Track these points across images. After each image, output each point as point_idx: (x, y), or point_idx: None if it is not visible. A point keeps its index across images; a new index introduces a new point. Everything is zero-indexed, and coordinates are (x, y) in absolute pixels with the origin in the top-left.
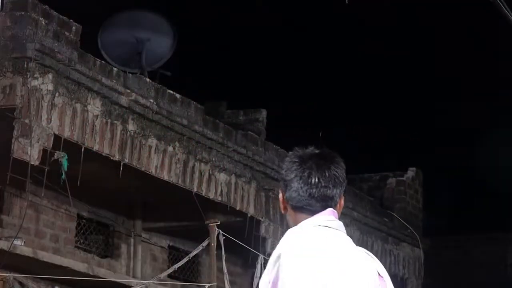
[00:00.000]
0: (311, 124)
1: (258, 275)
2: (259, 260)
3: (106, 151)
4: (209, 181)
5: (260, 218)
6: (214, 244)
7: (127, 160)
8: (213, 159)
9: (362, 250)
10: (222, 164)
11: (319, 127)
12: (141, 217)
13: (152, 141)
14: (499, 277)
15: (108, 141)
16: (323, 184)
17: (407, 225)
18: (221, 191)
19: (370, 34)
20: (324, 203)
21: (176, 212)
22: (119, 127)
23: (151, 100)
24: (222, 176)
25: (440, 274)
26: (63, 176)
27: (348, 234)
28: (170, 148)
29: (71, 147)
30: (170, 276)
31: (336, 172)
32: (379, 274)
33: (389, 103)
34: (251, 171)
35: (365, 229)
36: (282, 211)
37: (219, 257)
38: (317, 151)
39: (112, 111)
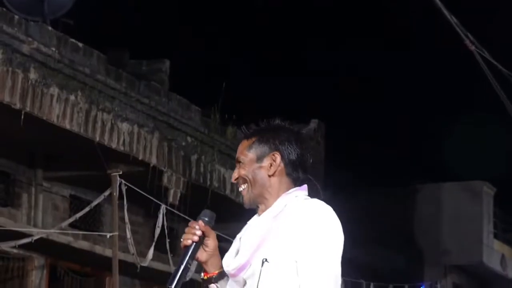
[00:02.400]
0: (214, 74)
1: (160, 225)
2: (161, 210)
3: (7, 99)
4: (111, 131)
5: (163, 168)
6: (116, 194)
7: (28, 109)
8: (116, 109)
9: None
10: (125, 114)
11: (222, 78)
12: (42, 166)
13: (54, 90)
14: (398, 230)
15: (9, 89)
16: (310, 156)
17: (310, 177)
18: (124, 140)
19: None
20: (306, 173)
21: (78, 162)
22: (20, 76)
23: (53, 49)
24: (124, 126)
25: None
26: None
27: None
28: (72, 97)
29: None
30: (71, 225)
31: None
32: None
33: (293, 49)
34: (154, 121)
35: None
36: (265, 172)
37: (121, 207)
38: (299, 127)
39: (13, 59)
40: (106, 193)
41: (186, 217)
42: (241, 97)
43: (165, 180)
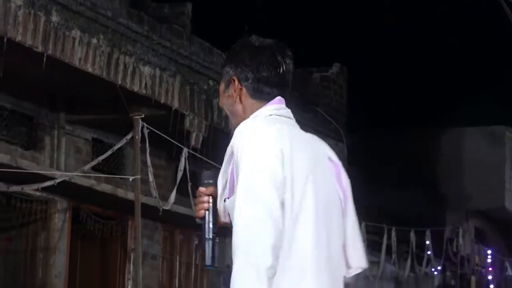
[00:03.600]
0: (236, 17)
1: (182, 168)
2: (183, 154)
3: (29, 42)
4: (133, 74)
5: (185, 112)
6: (138, 137)
7: (50, 52)
8: (138, 52)
9: (311, 135)
10: (147, 57)
11: (244, 21)
12: (65, 110)
13: (76, 33)
14: (419, 174)
15: (31, 32)
16: (286, 72)
17: (331, 120)
18: (146, 84)
19: None
20: (283, 91)
21: (100, 105)
22: (42, 18)
23: None
24: (146, 69)
25: (363, 167)
26: None
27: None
28: (94, 40)
29: None
30: (94, 168)
31: (291, 61)
32: (329, 159)
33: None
34: (176, 65)
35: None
36: (232, 99)
37: (143, 150)
38: (272, 40)
39: (35, 2)
40: (128, 136)
41: (208, 161)
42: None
43: (187, 123)
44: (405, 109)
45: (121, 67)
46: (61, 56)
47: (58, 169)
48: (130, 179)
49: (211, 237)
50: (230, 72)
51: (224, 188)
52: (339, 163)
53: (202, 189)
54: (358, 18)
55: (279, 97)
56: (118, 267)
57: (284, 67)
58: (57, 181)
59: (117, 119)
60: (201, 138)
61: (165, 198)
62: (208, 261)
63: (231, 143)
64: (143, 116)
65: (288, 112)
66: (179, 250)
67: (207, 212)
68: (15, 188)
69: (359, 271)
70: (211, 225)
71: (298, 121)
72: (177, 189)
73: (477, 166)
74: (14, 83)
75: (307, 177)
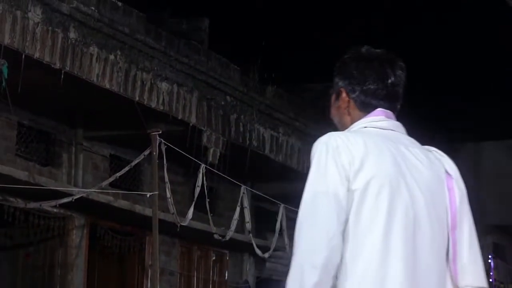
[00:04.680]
0: (253, 34)
1: (200, 184)
2: (200, 170)
3: (47, 59)
4: (151, 90)
5: (202, 128)
6: (155, 153)
7: (68, 68)
8: (155, 68)
9: (420, 149)
10: (164, 73)
11: (262, 37)
12: (82, 126)
13: (94, 50)
14: None
15: (49, 48)
16: (395, 84)
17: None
18: (163, 100)
19: None
20: (392, 104)
21: (117, 121)
22: (60, 35)
23: (93, 8)
24: (164, 85)
25: None
26: (4, 84)
27: (289, 144)
28: (111, 57)
29: (11, 55)
30: (111, 184)
31: (403, 73)
32: (447, 172)
33: (330, 14)
34: (193, 80)
35: (307, 139)
36: (341, 111)
37: (160, 166)
38: (382, 51)
39: (53, 18)
40: (146, 152)
41: (226, 177)
42: (281, 55)
43: (204, 139)
44: (421, 123)
45: (139, 83)
46: (79, 73)
47: (75, 185)
48: (148, 195)
49: None
50: (339, 83)
51: None
52: (455, 176)
53: None
54: (373, 33)
55: (380, 109)
56: (136, 283)
57: (392, 79)
58: (75, 197)
59: (135, 135)
60: (218, 154)
61: (182, 214)
62: None
63: None
64: (160, 132)
65: (390, 124)
66: (196, 266)
67: None
68: (33, 205)
69: None
70: None
71: (315, 136)
72: (194, 205)
73: (495, 180)
74: (32, 100)
75: (382, 186)
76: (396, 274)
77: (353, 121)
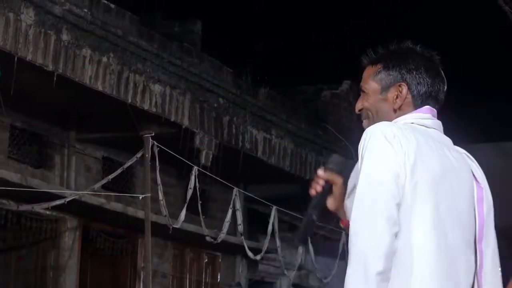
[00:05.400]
0: (245, 36)
1: (192, 186)
2: (193, 172)
3: (39, 61)
4: (143, 92)
5: (195, 130)
6: (148, 155)
7: (61, 71)
8: (148, 70)
9: (458, 153)
10: (157, 75)
11: (254, 39)
12: (75, 128)
13: (87, 52)
14: None
15: (41, 51)
16: (442, 85)
17: (341, 137)
18: (156, 102)
19: None
20: (438, 106)
21: (110, 123)
22: (53, 37)
23: (85, 10)
24: (156, 87)
25: None
26: None
27: (281, 146)
28: (104, 59)
29: (4, 57)
30: (104, 187)
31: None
32: (475, 179)
33: (324, 17)
34: (186, 83)
35: (299, 141)
36: (390, 105)
37: (153, 169)
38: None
39: (46, 20)
40: (139, 154)
41: (218, 179)
42: (274, 58)
43: (197, 141)
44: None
45: (131, 85)
46: (72, 75)
47: (68, 187)
48: (140, 197)
49: (311, 219)
50: (398, 76)
51: (353, 188)
52: (484, 186)
53: (321, 172)
54: (368, 35)
55: (428, 107)
56: (128, 285)
57: (445, 83)
58: (67, 199)
59: (127, 137)
60: (211, 156)
61: (175, 216)
62: (298, 237)
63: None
64: (153, 134)
65: (434, 123)
66: (189, 268)
67: (319, 194)
68: (25, 207)
69: None
70: (315, 209)
71: (307, 138)
72: (187, 207)
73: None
74: (25, 102)
75: (429, 186)
76: (441, 275)
77: (398, 116)
